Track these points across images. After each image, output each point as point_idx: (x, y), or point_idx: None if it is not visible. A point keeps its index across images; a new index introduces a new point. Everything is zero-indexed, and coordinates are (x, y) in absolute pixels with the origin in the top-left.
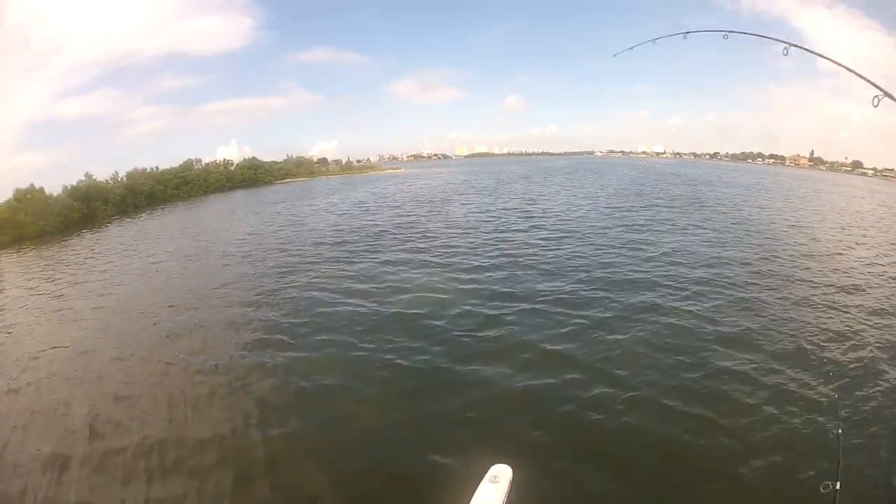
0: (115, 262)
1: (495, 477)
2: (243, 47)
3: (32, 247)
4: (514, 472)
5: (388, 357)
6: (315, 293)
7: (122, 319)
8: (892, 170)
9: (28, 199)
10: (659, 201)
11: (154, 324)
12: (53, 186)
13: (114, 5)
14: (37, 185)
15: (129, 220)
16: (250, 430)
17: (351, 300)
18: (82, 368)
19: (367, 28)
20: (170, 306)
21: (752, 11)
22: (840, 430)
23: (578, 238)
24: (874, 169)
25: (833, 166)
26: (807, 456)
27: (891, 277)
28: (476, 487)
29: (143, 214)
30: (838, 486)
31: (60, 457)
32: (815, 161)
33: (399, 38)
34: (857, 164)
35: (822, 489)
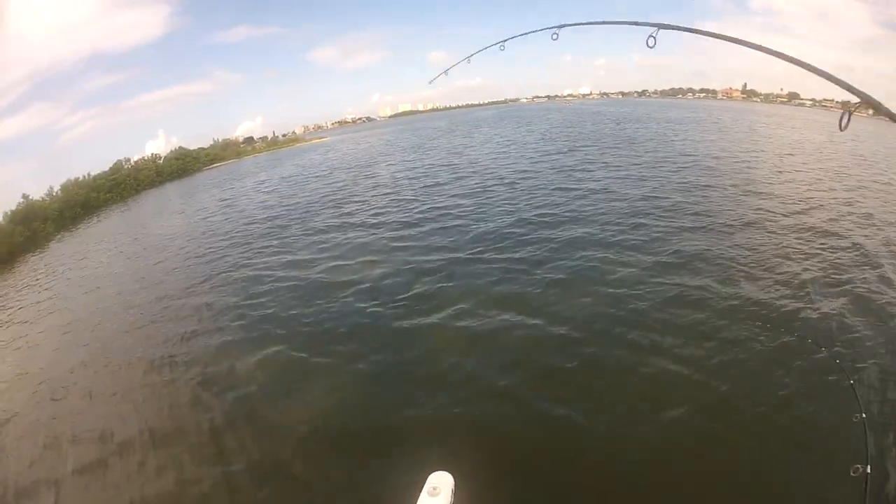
0: (59, 280)
1: (434, 489)
2: (163, 35)
3: None
4: (455, 480)
5: (328, 325)
6: (250, 272)
7: (73, 336)
8: (831, 100)
9: None
10: (586, 142)
11: (103, 333)
12: None
13: (30, 16)
14: None
15: (68, 233)
16: (213, 416)
17: (285, 273)
18: (48, 391)
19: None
20: (115, 312)
21: None
22: (863, 414)
23: (507, 185)
24: (812, 100)
25: (768, 98)
26: (766, 375)
27: (831, 199)
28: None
29: (81, 225)
30: (869, 470)
31: (53, 483)
32: (749, 93)
33: (318, 4)
34: (793, 96)
35: (851, 473)
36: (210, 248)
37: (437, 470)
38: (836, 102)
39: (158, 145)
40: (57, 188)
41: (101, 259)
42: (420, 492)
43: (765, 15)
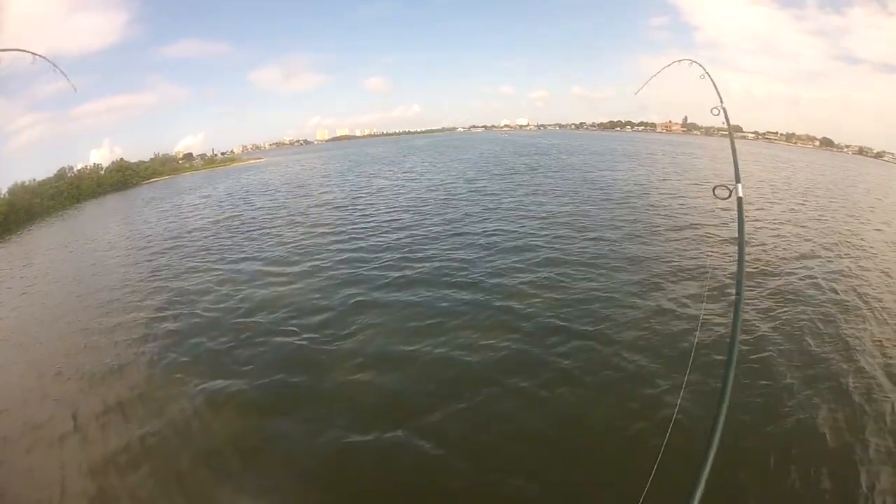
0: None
1: None
2: (117, 43)
3: None
4: None
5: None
6: (175, 285)
7: (13, 342)
8: (775, 133)
9: None
10: (507, 172)
11: (31, 338)
12: None
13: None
14: None
15: (14, 237)
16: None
17: (209, 287)
18: None
19: (234, 15)
20: (47, 320)
21: None
22: None
23: (414, 213)
24: (755, 132)
25: (709, 131)
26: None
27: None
28: None
29: (24, 231)
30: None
31: None
32: (689, 127)
33: (264, 22)
34: (736, 129)
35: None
36: (146, 261)
37: None
38: (780, 134)
39: (102, 154)
40: (4, 191)
41: (44, 267)
42: None
43: (710, 49)
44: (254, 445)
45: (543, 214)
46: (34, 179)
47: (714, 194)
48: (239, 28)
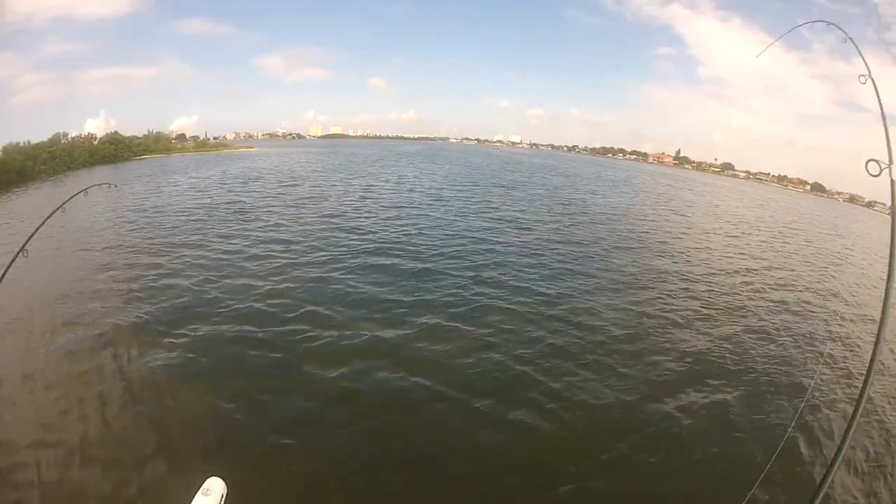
0: None
1: (207, 490)
2: (128, 13)
3: None
4: (227, 486)
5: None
6: (154, 273)
7: None
8: (766, 173)
9: None
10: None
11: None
12: None
13: None
14: None
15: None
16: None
17: (189, 279)
18: None
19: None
20: (38, 296)
21: (637, 16)
22: None
23: (402, 220)
24: (747, 171)
25: (700, 166)
26: None
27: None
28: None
29: (13, 192)
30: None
31: None
32: (681, 160)
33: (275, 10)
34: (727, 166)
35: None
36: (130, 233)
37: (213, 476)
38: (772, 176)
39: (98, 125)
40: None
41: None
42: (196, 493)
43: (713, 84)
44: (208, 421)
45: (507, 223)
46: (29, 141)
47: (866, 169)
48: (248, 12)
